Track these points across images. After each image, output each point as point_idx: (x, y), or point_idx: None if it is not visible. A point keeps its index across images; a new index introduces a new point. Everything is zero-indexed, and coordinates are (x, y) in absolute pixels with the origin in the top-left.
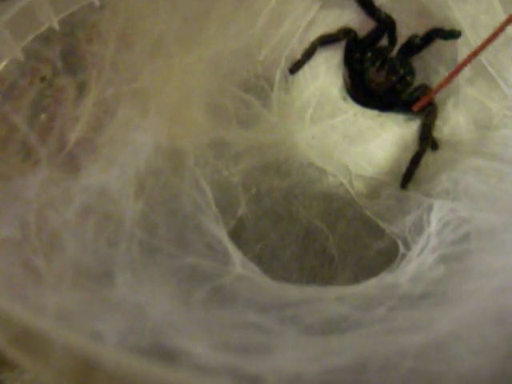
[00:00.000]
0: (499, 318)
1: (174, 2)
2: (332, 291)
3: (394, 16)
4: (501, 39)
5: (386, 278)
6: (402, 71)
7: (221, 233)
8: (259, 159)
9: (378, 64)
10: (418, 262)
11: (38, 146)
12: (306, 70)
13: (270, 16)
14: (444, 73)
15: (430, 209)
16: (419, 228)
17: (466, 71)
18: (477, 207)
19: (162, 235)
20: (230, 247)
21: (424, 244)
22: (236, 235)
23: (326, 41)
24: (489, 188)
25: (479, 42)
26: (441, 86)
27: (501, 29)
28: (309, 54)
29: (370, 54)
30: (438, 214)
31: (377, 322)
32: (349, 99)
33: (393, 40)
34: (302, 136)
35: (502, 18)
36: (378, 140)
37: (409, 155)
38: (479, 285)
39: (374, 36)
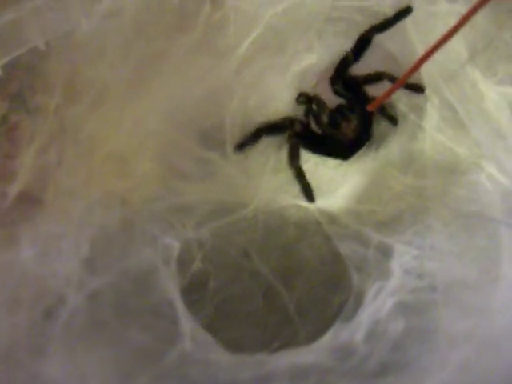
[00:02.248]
0: None
1: (124, 47)
2: (286, 360)
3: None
4: (472, 92)
5: (341, 334)
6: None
7: (174, 293)
8: (215, 212)
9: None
10: (374, 308)
11: None
12: None
13: (241, 59)
14: None
15: (392, 255)
16: (380, 273)
17: (434, 117)
18: (443, 261)
19: (106, 303)
20: (181, 312)
21: (382, 285)
22: (189, 293)
23: (270, 130)
24: (457, 243)
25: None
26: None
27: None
28: (252, 140)
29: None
30: (401, 261)
31: None
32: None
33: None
34: (262, 188)
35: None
36: (340, 190)
37: (372, 207)
38: (442, 357)
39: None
